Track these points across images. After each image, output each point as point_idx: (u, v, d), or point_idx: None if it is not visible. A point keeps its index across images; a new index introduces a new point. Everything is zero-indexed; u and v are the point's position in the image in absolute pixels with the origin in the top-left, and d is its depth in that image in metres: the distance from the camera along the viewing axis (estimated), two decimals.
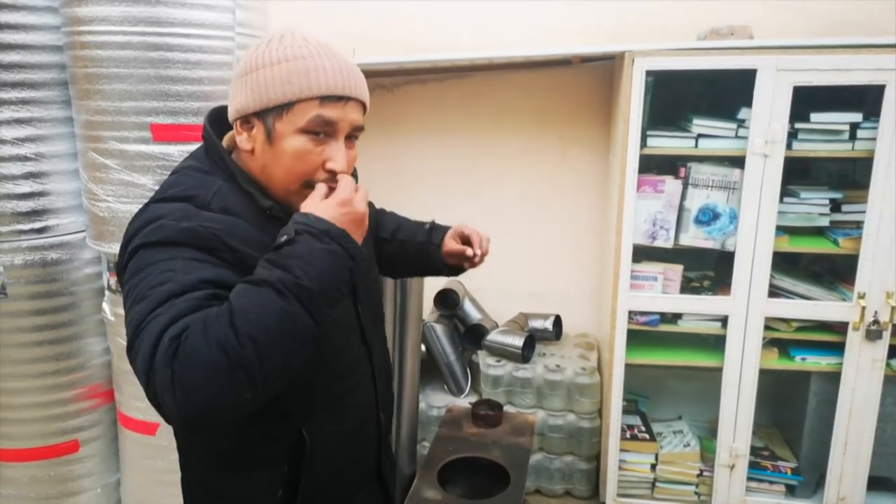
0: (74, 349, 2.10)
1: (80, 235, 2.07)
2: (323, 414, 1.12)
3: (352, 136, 1.06)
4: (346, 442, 1.17)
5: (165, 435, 2.05)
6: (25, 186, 1.97)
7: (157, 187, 1.84)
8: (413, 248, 1.42)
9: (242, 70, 1.04)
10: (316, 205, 0.95)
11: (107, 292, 2.06)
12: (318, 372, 1.08)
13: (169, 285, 0.87)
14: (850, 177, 2.36)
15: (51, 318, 2.05)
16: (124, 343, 2.09)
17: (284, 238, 0.90)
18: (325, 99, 1.00)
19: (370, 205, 1.36)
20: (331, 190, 0.98)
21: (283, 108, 1.00)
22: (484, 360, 2.60)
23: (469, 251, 1.34)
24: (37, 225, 2.01)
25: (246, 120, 1.04)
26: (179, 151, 1.88)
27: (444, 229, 1.42)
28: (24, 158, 1.96)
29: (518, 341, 2.54)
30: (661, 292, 2.30)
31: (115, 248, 1.95)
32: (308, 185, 1.01)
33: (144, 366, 0.82)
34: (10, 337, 2.03)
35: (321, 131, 1.01)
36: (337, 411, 1.14)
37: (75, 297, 2.08)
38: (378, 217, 1.46)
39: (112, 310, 2.03)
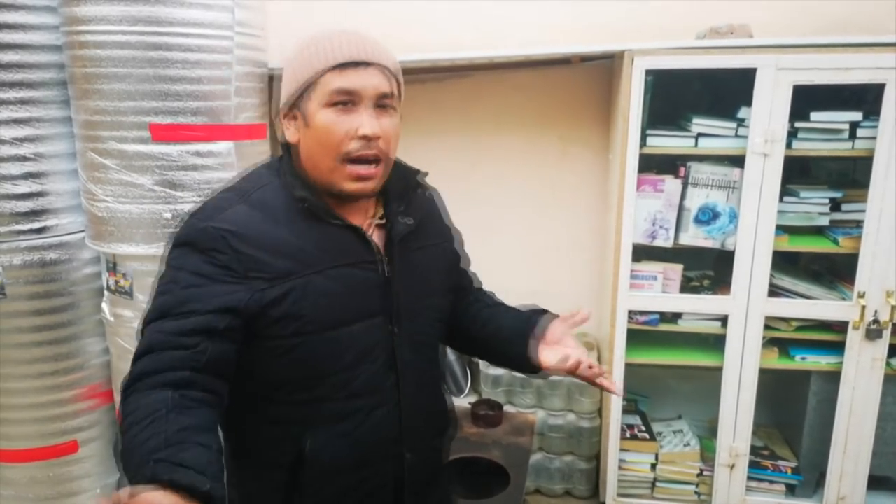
0: (73, 349, 2.09)
1: (80, 235, 2.07)
2: (325, 429, 1.08)
3: (382, 104, 1.05)
4: (348, 468, 1.11)
5: None
6: (24, 186, 1.97)
7: (155, 187, 1.87)
8: (499, 349, 1.27)
9: (282, 73, 1.09)
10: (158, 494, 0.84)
11: (106, 292, 2.06)
12: (325, 381, 1.07)
13: (166, 298, 1.00)
14: (850, 176, 2.35)
15: (50, 318, 2.04)
16: (123, 343, 2.10)
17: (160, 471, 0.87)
18: (343, 67, 1.01)
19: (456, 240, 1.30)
20: None
21: (308, 89, 1.04)
22: None
23: (571, 362, 1.13)
24: (36, 225, 2.00)
25: (288, 113, 1.08)
26: (178, 151, 1.87)
27: (540, 327, 1.22)
28: (23, 158, 1.95)
29: None
30: (661, 292, 2.29)
31: (114, 248, 1.94)
32: (346, 159, 1.03)
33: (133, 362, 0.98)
34: (9, 337, 2.02)
35: (345, 100, 1.02)
36: (341, 431, 1.09)
37: (74, 298, 2.07)
38: (463, 276, 1.34)
39: (111, 310, 2.03)
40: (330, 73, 1.02)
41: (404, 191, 1.17)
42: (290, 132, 1.09)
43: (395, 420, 1.14)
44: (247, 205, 1.05)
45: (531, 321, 1.23)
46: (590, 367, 1.14)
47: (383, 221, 1.15)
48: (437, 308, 1.21)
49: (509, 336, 1.24)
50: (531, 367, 1.20)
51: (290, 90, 1.07)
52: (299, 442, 1.07)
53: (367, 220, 1.14)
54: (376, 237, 1.13)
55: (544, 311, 1.26)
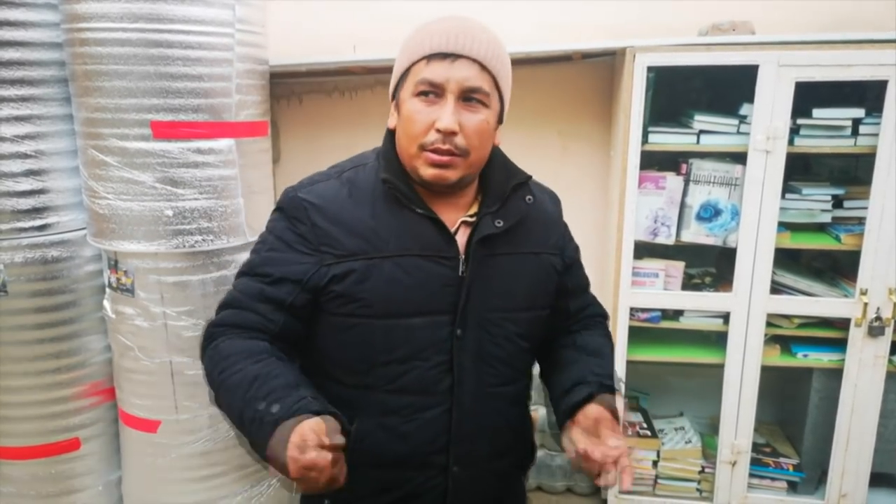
0: (75, 347, 2.10)
1: (81, 233, 2.07)
2: (373, 418, 1.08)
3: (470, 97, 1.03)
4: (389, 464, 1.09)
5: (166, 432, 2.05)
6: (26, 184, 1.97)
7: (157, 184, 1.87)
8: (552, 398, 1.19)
9: None
10: (305, 424, 0.90)
11: (107, 290, 2.06)
12: (375, 369, 1.07)
13: (253, 257, 1.12)
14: (852, 173, 2.35)
15: (51, 315, 2.04)
16: (125, 341, 2.10)
17: (275, 409, 0.95)
18: (431, 58, 1.01)
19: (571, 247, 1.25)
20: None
21: (403, 78, 1.06)
22: None
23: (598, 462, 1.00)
24: (37, 222, 2.00)
25: (394, 99, 1.10)
26: (179, 148, 1.87)
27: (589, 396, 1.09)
28: (25, 156, 1.95)
29: None
30: (663, 289, 2.29)
31: (115, 246, 1.94)
32: (424, 147, 1.02)
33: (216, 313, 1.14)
34: (11, 335, 2.03)
35: (430, 91, 1.02)
36: (387, 423, 1.08)
37: (76, 295, 2.07)
38: (570, 280, 1.24)
39: (113, 307, 2.03)
40: (419, 63, 1.03)
41: (502, 192, 1.13)
42: (392, 118, 1.10)
43: (445, 426, 1.09)
44: (337, 181, 1.10)
45: (571, 393, 1.12)
46: (602, 465, 1.01)
47: (474, 220, 1.11)
48: (518, 321, 1.13)
49: (558, 395, 1.16)
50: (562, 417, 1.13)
51: (393, 78, 1.09)
52: (348, 425, 1.04)
53: (459, 216, 1.12)
54: (463, 235, 1.10)
55: (600, 384, 1.11)
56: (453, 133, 1.01)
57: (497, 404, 1.14)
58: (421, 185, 1.08)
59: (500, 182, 1.13)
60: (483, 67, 1.04)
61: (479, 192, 1.14)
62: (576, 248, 1.29)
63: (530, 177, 1.18)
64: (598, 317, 1.31)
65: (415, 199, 1.07)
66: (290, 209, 1.09)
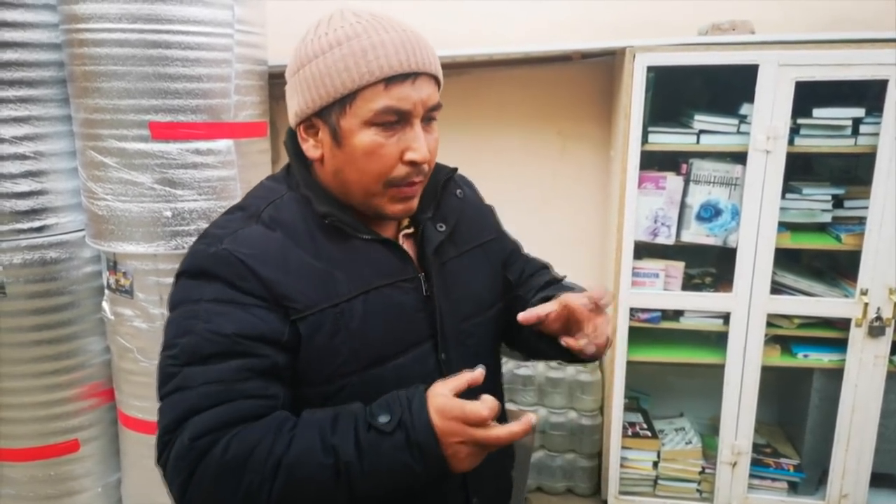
0: (74, 348, 2.09)
1: (80, 234, 2.06)
2: None
3: (429, 117, 0.90)
4: None
5: None
6: (24, 185, 1.96)
7: (155, 185, 1.87)
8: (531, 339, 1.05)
9: (293, 67, 0.91)
10: (440, 396, 0.79)
11: (106, 291, 2.05)
12: None
13: (191, 338, 0.84)
14: (853, 172, 2.35)
15: (50, 317, 2.04)
16: (124, 342, 2.09)
17: (384, 420, 0.78)
18: (391, 80, 0.85)
19: (499, 230, 1.16)
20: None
21: (345, 101, 0.86)
22: None
23: (569, 339, 0.94)
24: (36, 224, 2.00)
25: (309, 124, 0.91)
26: (178, 149, 1.87)
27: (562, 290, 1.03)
28: (23, 157, 1.95)
29: None
30: (663, 289, 2.29)
31: (114, 247, 1.94)
32: (391, 184, 0.89)
33: (160, 442, 0.85)
34: (10, 336, 2.02)
35: (393, 121, 0.86)
36: None
37: (75, 296, 2.07)
38: (511, 255, 1.18)
39: (112, 309, 2.03)
40: (374, 88, 0.85)
41: (433, 193, 1.01)
42: (309, 146, 0.92)
43: None
44: (259, 223, 0.90)
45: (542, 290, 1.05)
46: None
47: (412, 230, 1.00)
48: (487, 322, 1.03)
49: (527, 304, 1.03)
50: (558, 348, 0.98)
51: (312, 98, 0.88)
52: None
53: (397, 231, 0.99)
54: (410, 250, 0.98)
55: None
56: (427, 161, 0.89)
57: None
58: (359, 211, 0.94)
59: (429, 183, 0.99)
60: (437, 80, 0.91)
61: None
62: (497, 219, 1.19)
63: (456, 169, 1.07)
64: (541, 269, 1.20)
65: (360, 227, 0.93)
66: (218, 269, 0.85)
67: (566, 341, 0.93)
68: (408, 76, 0.86)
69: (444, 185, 1.03)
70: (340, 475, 0.77)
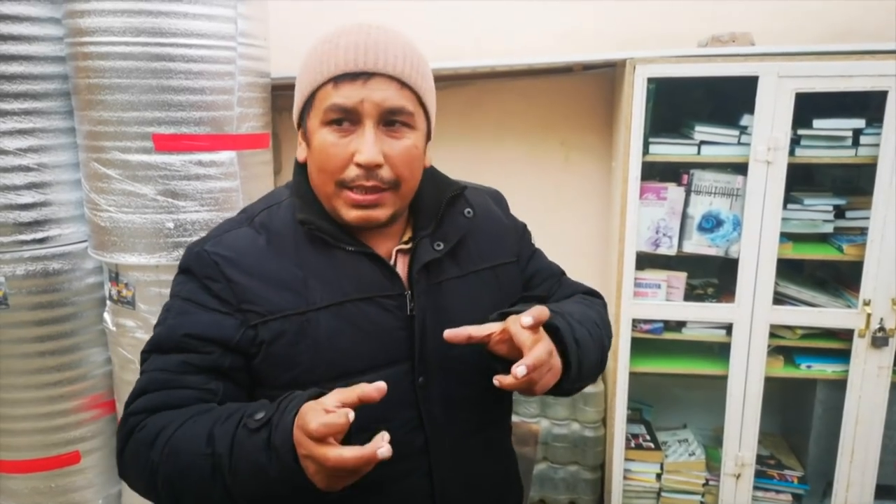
0: (76, 359, 2.09)
1: (82, 245, 2.07)
2: (339, 494, 0.81)
3: (392, 120, 0.88)
4: None
5: None
6: (27, 197, 1.97)
7: (158, 197, 1.88)
8: None
9: None
10: (313, 404, 0.73)
11: (108, 302, 2.06)
12: None
13: (161, 330, 0.92)
14: (854, 183, 2.35)
15: (52, 328, 2.04)
16: (126, 353, 2.09)
17: (258, 417, 0.77)
18: (339, 80, 0.86)
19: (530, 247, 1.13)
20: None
21: (309, 104, 0.91)
22: None
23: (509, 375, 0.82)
24: (39, 235, 2.01)
25: (300, 127, 0.96)
26: (181, 161, 1.88)
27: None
28: (27, 169, 1.96)
29: None
30: (665, 300, 2.28)
31: (116, 258, 1.94)
32: (342, 185, 0.88)
33: (122, 416, 0.92)
34: (12, 347, 2.02)
35: (342, 119, 0.87)
36: (358, 500, 0.88)
37: (77, 308, 2.07)
38: (534, 277, 1.12)
39: (114, 320, 2.03)
40: (326, 87, 0.87)
41: (435, 210, 0.98)
42: (301, 149, 0.96)
43: (427, 493, 0.94)
44: (250, 227, 0.94)
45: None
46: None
47: (409, 246, 0.97)
48: (485, 350, 0.91)
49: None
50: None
51: (295, 102, 0.95)
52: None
53: (393, 246, 0.97)
54: (402, 266, 0.96)
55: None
56: (377, 165, 0.86)
57: (481, 453, 1.01)
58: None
59: (431, 199, 0.98)
60: (402, 84, 0.88)
61: (410, 215, 0.99)
62: (530, 240, 1.15)
63: (465, 187, 1.04)
64: (580, 294, 1.15)
65: (342, 237, 0.92)
66: (197, 268, 0.91)
67: (497, 379, 0.83)
68: (358, 76, 0.86)
69: (450, 202, 1.00)
70: (215, 468, 0.78)
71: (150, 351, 0.92)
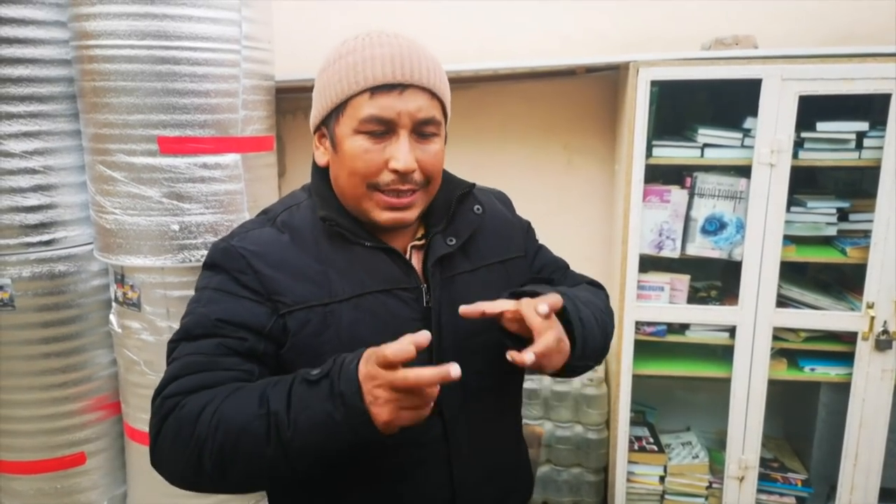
0: (81, 361, 2.10)
1: (88, 248, 2.08)
2: (360, 492, 0.97)
3: (422, 130, 0.93)
4: None
5: None
6: (33, 199, 1.99)
7: (163, 199, 1.89)
8: None
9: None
10: (370, 357, 0.78)
11: (114, 304, 2.07)
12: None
13: (191, 318, 0.93)
14: (858, 185, 2.34)
15: (58, 330, 2.05)
16: (131, 355, 2.10)
17: (315, 372, 0.81)
18: (376, 91, 0.90)
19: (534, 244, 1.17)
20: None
21: (339, 110, 0.93)
22: None
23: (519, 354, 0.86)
24: (45, 237, 2.02)
25: (321, 133, 0.99)
26: (186, 164, 1.89)
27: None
28: (33, 171, 1.97)
29: None
30: (668, 302, 2.28)
31: (122, 261, 1.95)
32: (373, 187, 0.93)
33: (151, 404, 0.91)
34: (18, 349, 2.03)
35: (378, 129, 0.91)
36: (380, 495, 0.97)
37: (83, 310, 2.08)
38: (542, 271, 1.16)
39: (119, 322, 2.04)
40: (361, 97, 0.91)
41: (446, 207, 1.03)
42: (320, 154, 1.00)
43: (446, 480, 0.98)
44: (272, 227, 0.98)
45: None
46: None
47: (422, 242, 1.02)
48: (500, 341, 0.95)
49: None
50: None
51: (317, 108, 0.97)
52: None
53: (408, 243, 1.02)
54: (417, 262, 1.01)
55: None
56: (413, 171, 0.92)
57: (495, 440, 1.06)
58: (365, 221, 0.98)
59: (442, 197, 1.03)
60: (433, 95, 0.93)
61: (422, 213, 1.03)
62: (535, 237, 1.19)
63: (474, 185, 1.09)
64: (584, 284, 1.19)
65: (361, 233, 0.97)
66: (225, 262, 0.95)
67: (511, 355, 0.87)
68: (394, 87, 0.90)
69: (460, 199, 1.05)
70: (270, 427, 0.79)
71: (179, 340, 0.93)
